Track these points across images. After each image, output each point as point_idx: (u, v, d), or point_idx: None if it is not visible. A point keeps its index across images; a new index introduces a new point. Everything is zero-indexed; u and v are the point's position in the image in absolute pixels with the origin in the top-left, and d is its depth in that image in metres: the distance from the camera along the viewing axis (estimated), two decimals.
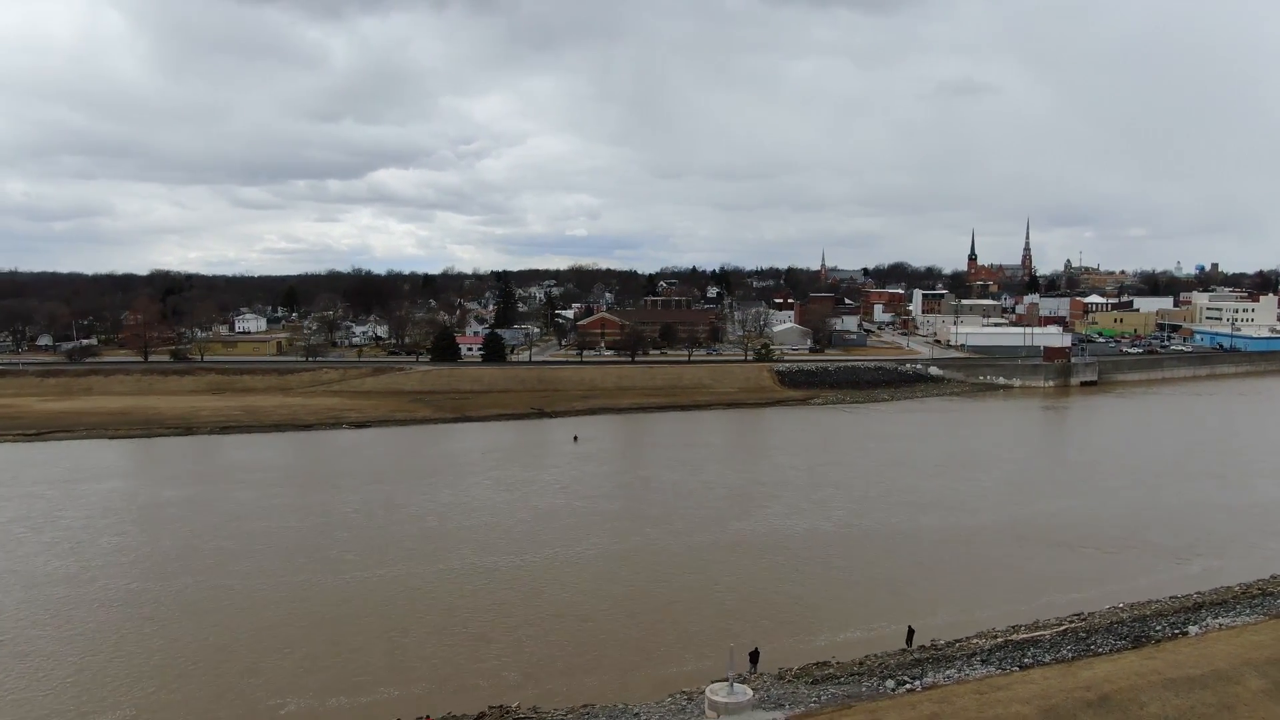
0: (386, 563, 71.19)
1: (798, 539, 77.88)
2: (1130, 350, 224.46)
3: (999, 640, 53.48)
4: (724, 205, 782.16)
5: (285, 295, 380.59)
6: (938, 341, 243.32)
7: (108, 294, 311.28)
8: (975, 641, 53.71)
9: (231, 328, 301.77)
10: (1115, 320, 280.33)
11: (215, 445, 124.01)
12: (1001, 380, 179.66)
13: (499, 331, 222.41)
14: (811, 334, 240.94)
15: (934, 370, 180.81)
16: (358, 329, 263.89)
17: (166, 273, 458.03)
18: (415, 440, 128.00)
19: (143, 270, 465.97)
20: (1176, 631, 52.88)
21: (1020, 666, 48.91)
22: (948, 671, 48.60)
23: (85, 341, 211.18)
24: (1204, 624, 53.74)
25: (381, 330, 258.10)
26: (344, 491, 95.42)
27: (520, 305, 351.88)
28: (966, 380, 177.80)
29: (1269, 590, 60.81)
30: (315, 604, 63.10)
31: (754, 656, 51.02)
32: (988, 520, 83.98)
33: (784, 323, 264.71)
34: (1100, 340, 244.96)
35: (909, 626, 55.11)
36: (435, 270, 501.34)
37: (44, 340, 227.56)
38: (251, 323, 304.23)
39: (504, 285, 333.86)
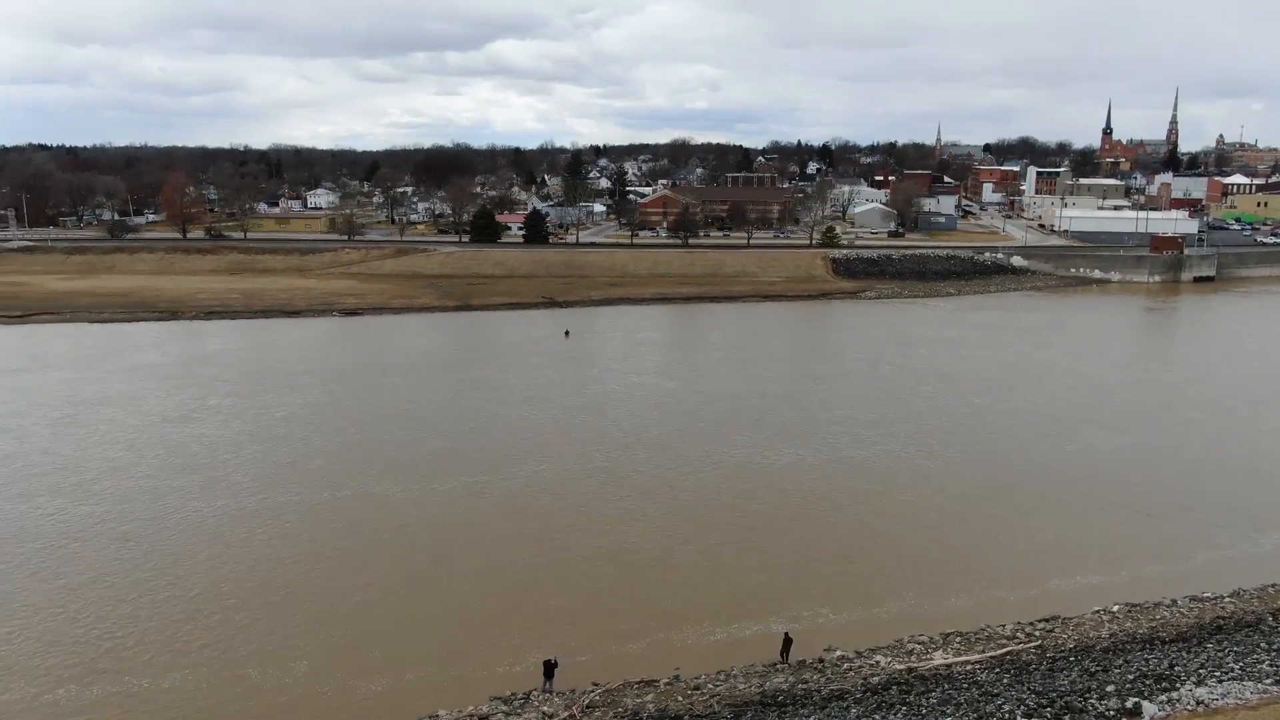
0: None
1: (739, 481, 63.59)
2: (1267, 241, 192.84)
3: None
4: (852, 77, 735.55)
5: (369, 169, 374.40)
6: (1041, 226, 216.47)
7: (206, 167, 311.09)
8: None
9: (304, 204, 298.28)
10: (1259, 204, 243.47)
11: (189, 331, 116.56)
12: (1097, 274, 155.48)
13: (542, 210, 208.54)
14: (896, 216, 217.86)
15: (1017, 261, 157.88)
16: (421, 205, 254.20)
17: (288, 147, 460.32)
18: (387, 332, 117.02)
19: (263, 144, 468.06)
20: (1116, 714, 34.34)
21: None
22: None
23: (124, 218, 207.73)
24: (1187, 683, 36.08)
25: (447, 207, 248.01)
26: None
27: (600, 181, 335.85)
28: (1055, 273, 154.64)
29: None
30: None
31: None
32: (1012, 462, 67.37)
33: (871, 202, 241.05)
34: (1235, 228, 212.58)
35: (785, 634, 40.70)
36: (560, 144, 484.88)
37: (106, 215, 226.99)
38: (323, 198, 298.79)
39: (573, 160, 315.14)
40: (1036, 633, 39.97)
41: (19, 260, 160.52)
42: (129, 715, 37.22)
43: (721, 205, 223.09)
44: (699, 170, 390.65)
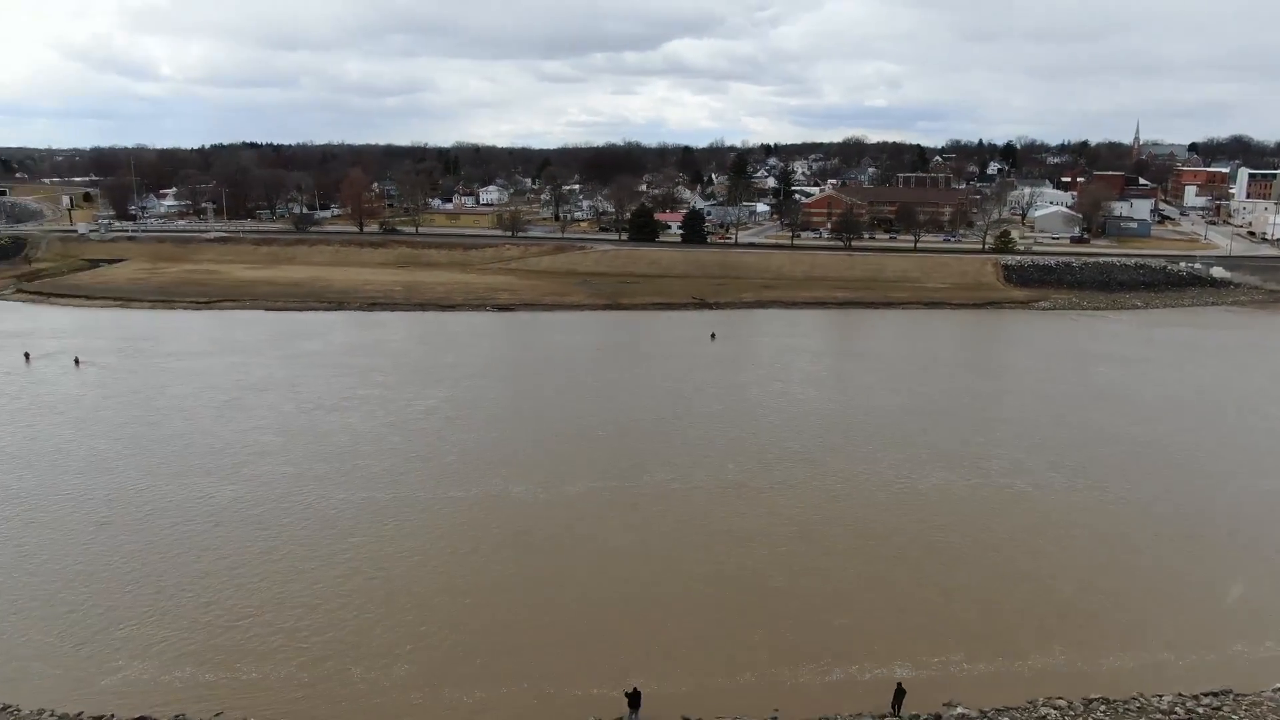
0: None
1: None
2: None
3: None
4: (1042, 72, 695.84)
5: (540, 167, 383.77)
6: (1250, 234, 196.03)
7: (390, 165, 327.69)
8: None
9: (477, 200, 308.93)
10: None
11: (352, 321, 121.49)
12: None
13: (703, 209, 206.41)
14: (1081, 220, 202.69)
15: (1217, 272, 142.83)
16: (586, 203, 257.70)
17: (469, 145, 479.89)
18: (536, 329, 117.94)
19: (446, 143, 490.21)
20: None
21: None
22: None
23: (310, 212, 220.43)
24: None
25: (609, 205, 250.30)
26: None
27: (765, 180, 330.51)
28: (1263, 286, 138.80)
29: None
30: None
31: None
32: (1195, 502, 59.93)
33: (1054, 205, 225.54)
34: None
35: (898, 684, 36.84)
36: (730, 142, 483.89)
37: (295, 209, 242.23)
38: (494, 194, 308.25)
39: (738, 159, 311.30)
40: (1200, 709, 34.53)
41: (214, 250, 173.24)
42: (224, 701, 37.84)
43: (889, 206, 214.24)
44: (870, 170, 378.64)
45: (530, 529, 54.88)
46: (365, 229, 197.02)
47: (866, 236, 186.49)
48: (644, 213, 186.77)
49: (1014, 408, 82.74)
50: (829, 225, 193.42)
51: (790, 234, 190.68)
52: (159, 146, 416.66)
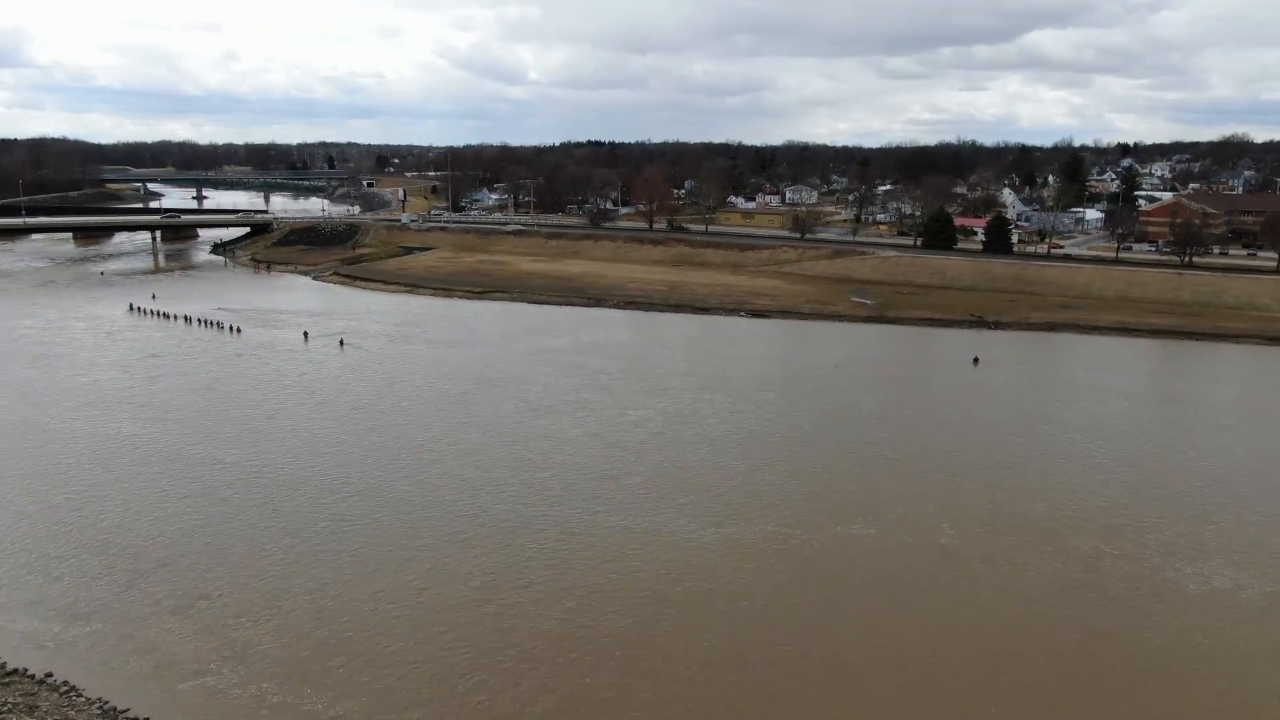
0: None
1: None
2: None
3: None
4: None
5: (860, 165, 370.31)
6: None
7: (704, 163, 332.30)
8: None
9: (783, 199, 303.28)
10: None
11: (600, 318, 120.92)
12: None
13: (1022, 213, 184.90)
14: None
15: None
16: (893, 205, 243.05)
17: (799, 144, 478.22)
18: (784, 339, 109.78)
19: (778, 141, 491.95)
20: None
21: None
22: None
23: (614, 208, 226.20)
24: None
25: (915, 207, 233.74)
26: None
27: (1111, 184, 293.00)
28: None
29: None
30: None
31: None
32: None
33: None
34: None
35: None
36: (1081, 141, 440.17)
37: (600, 204, 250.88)
38: (801, 194, 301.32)
39: (1072, 159, 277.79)
40: None
41: (510, 242, 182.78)
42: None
43: (1255, 217, 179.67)
44: (1246, 174, 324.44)
45: (713, 570, 48.69)
46: (654, 226, 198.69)
47: (1216, 252, 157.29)
48: (941, 217, 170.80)
49: None
50: (1170, 236, 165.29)
51: (1116, 245, 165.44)
52: (517, 144, 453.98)
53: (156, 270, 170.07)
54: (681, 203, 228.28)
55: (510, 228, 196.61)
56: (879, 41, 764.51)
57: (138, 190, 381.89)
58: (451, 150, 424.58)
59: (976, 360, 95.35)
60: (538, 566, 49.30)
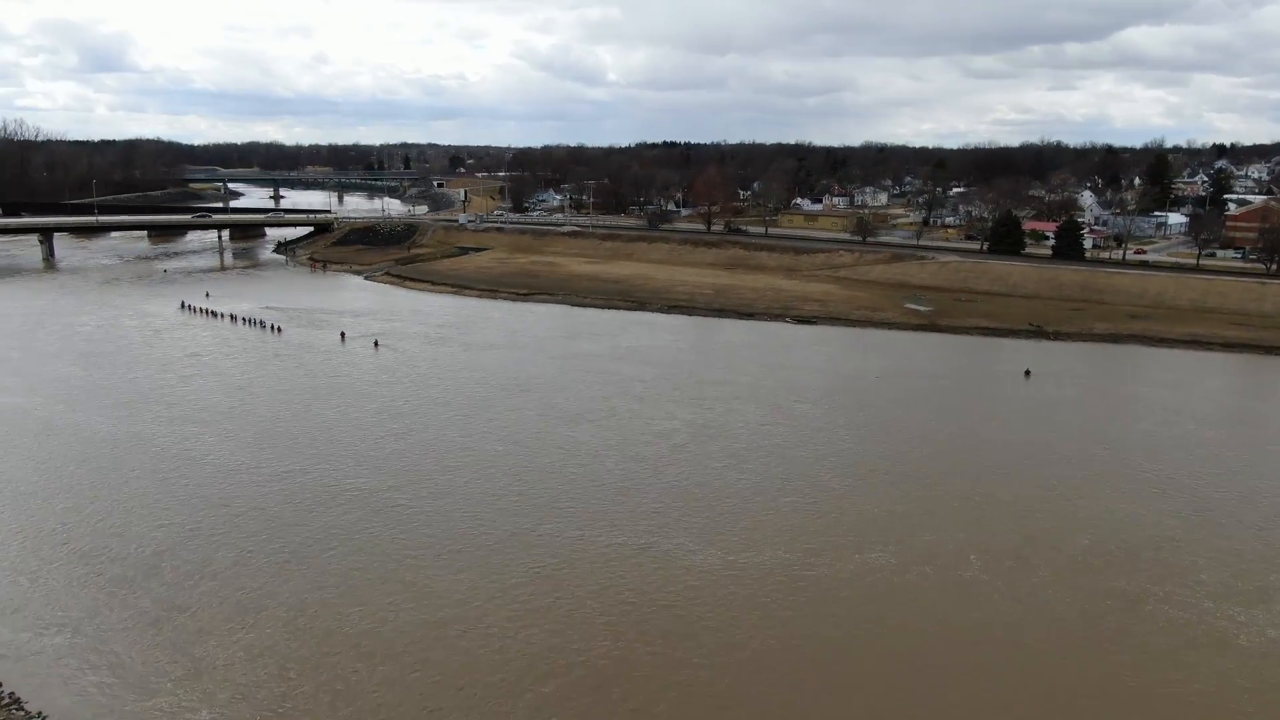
0: None
1: None
2: None
3: None
4: None
5: (935, 167, 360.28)
6: None
7: (771, 164, 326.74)
8: None
9: (850, 201, 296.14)
10: None
11: (641, 322, 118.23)
12: None
13: (1101, 217, 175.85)
14: None
15: None
16: (963, 208, 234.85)
17: (875, 145, 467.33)
18: (829, 347, 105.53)
19: (856, 141, 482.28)
20: None
21: None
22: None
23: (675, 209, 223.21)
24: None
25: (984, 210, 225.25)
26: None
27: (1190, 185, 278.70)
28: None
29: None
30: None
31: None
32: None
33: None
34: None
35: None
36: (1174, 142, 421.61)
37: (662, 205, 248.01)
38: (869, 196, 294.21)
39: (1157, 160, 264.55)
40: None
41: (563, 243, 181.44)
42: None
43: None
44: None
45: (761, 603, 46.06)
46: (711, 228, 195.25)
47: None
48: (1008, 221, 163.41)
49: None
50: (1260, 244, 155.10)
51: (1198, 252, 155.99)
52: (592, 145, 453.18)
53: (221, 268, 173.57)
54: (744, 204, 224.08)
55: (565, 229, 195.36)
56: (964, 40, 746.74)
57: (218, 190, 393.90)
58: (523, 151, 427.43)
59: (1028, 373, 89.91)
60: (523, 590, 47.13)
